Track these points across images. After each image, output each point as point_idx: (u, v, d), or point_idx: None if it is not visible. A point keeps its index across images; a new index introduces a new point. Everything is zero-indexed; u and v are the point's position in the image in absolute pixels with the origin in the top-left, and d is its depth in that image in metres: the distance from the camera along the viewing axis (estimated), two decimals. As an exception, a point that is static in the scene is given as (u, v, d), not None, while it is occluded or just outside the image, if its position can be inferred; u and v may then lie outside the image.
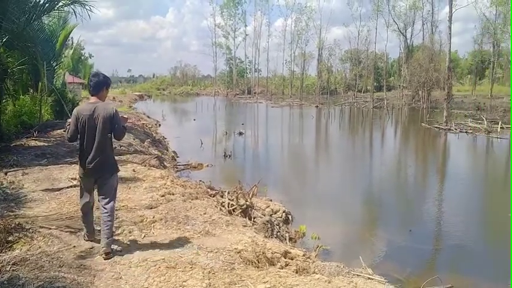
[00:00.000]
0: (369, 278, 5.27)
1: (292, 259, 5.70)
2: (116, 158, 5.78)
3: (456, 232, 10.23)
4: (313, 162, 20.49)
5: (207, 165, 16.67)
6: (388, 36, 65.65)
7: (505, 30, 55.03)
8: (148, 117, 33.48)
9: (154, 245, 5.69)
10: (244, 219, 8.34)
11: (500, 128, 28.09)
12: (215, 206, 8.35)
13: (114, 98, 49.27)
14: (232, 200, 9.12)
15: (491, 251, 9.22)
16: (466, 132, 27.56)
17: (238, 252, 5.53)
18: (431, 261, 8.74)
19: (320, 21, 73.35)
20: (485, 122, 28.80)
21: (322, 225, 10.04)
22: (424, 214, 11.89)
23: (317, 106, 55.30)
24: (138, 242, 5.81)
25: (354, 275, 5.33)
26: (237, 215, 8.47)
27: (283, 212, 10.31)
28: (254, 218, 8.80)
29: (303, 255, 5.91)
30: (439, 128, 29.54)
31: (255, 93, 77.68)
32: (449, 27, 33.33)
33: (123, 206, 7.40)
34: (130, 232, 6.18)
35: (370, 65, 66.73)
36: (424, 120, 33.32)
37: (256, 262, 5.30)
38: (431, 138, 27.42)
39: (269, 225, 8.55)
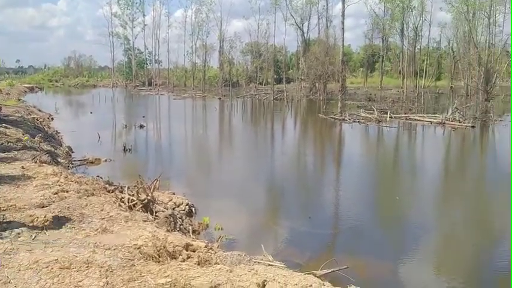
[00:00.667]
0: (269, 265, 5.39)
1: (194, 251, 5.65)
2: (2, 155, 5.29)
3: (352, 216, 10.85)
4: (217, 154, 20.54)
5: (106, 160, 15.97)
6: (286, 30, 67.33)
7: (392, 26, 59.19)
8: (39, 110, 31.25)
9: (46, 246, 5.32)
10: (145, 214, 8.12)
11: (389, 117, 30.30)
12: (114, 202, 8.02)
13: (0, 90, 45.24)
14: (133, 195, 8.81)
15: (382, 232, 9.92)
16: (358, 122, 29.30)
17: (137, 248, 5.35)
18: (329, 245, 9.16)
19: (220, 13, 73.26)
20: (376, 112, 30.83)
21: (225, 215, 10.10)
22: (323, 200, 12.47)
23: (220, 98, 55.44)
24: (29, 244, 5.39)
25: (255, 262, 5.42)
26: (137, 210, 8.21)
27: (187, 204, 10.21)
28: (156, 213, 8.59)
29: (205, 247, 5.88)
30: (334, 118, 31.06)
31: (156, 84, 75.85)
32: (342, 22, 35.19)
33: (11, 206, 6.83)
34: (19, 234, 5.72)
35: (270, 58, 68.23)
36: (321, 111, 34.83)
37: (157, 257, 5.17)
38: (328, 128, 28.77)
39: (172, 219, 8.40)
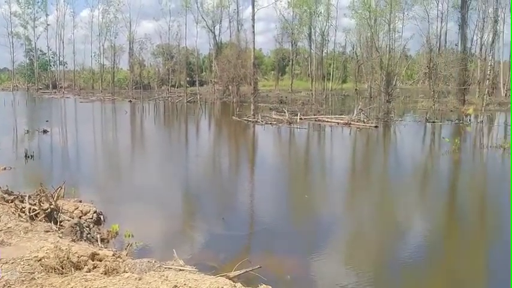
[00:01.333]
0: (180, 270, 5.29)
1: (100, 261, 5.38)
2: None
3: (265, 215, 11.03)
4: (128, 159, 19.87)
5: (5, 168, 14.85)
6: (198, 32, 67.24)
7: (301, 31, 61.27)
8: None
9: None
10: (48, 224, 7.64)
11: (299, 119, 31.28)
12: (13, 213, 7.45)
13: None
14: (35, 204, 8.25)
15: (294, 230, 10.17)
16: (271, 123, 29.92)
17: (38, 260, 5.00)
18: (244, 246, 9.22)
19: (129, 13, 71.09)
20: (287, 114, 31.66)
21: (136, 222, 9.78)
22: (237, 201, 12.56)
23: (130, 101, 53.89)
24: None
25: (165, 268, 5.29)
26: (40, 221, 7.70)
27: (94, 212, 9.76)
28: (61, 222, 8.12)
29: (113, 255, 5.64)
30: (247, 120, 31.44)
31: (61, 87, 71.90)
32: (253, 26, 35.72)
33: None
34: None
35: (182, 60, 67.52)
36: (234, 114, 35.08)
37: (60, 268, 4.86)
38: (242, 130, 29.04)
39: (78, 228, 7.96)
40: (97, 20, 72.85)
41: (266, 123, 30.15)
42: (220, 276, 5.51)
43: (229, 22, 64.72)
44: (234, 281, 5.11)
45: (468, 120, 31.94)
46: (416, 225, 10.70)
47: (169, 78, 69.03)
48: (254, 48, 37.61)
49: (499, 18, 44.11)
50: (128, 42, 71.06)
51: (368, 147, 23.84)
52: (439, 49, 48.55)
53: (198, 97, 53.15)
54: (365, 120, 29.37)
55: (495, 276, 7.75)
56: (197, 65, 69.73)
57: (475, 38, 47.81)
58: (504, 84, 52.07)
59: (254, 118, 31.54)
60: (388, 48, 46.06)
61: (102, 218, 9.79)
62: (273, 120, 31.02)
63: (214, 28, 64.03)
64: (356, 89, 59.34)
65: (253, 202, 12.48)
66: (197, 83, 63.11)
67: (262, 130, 28.36)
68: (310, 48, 62.34)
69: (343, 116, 31.19)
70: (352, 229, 10.38)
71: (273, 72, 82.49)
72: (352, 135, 26.60)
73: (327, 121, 30.75)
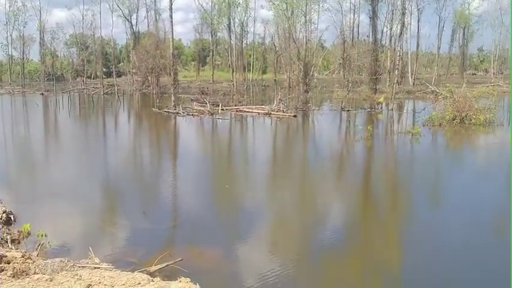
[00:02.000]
0: (95, 268, 5.15)
1: (9, 263, 5.10)
2: None
3: (187, 207, 11.01)
4: (41, 154, 18.80)
5: None
6: (114, 21, 64.76)
7: (220, 21, 61.12)
8: None
9: None
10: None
11: (221, 110, 31.32)
12: None
13: None
14: None
15: (217, 220, 10.21)
16: (192, 115, 29.70)
17: None
18: (165, 239, 9.10)
19: (39, 1, 66.97)
20: (208, 105, 31.57)
21: (51, 220, 9.36)
22: (159, 194, 12.38)
23: (42, 93, 50.96)
24: None
25: (79, 267, 5.12)
26: None
27: (4, 212, 9.17)
28: (-36, 225, 7.55)
29: (22, 257, 5.36)
30: (168, 112, 30.96)
31: (-38, 80, 66.42)
32: (171, 16, 35.07)
33: None
34: None
35: (97, 51, 64.85)
36: (154, 105, 34.38)
37: (-38, 275, 4.54)
38: (162, 122, 28.55)
39: (-16, 230, 7.46)
40: (3, 8, 67.67)
41: (187, 114, 29.89)
42: (140, 271, 5.44)
43: (147, 11, 63.17)
44: (153, 276, 5.06)
45: (380, 108, 33.79)
46: (335, 209, 11.21)
47: (84, 69, 66.06)
48: (173, 38, 36.99)
49: (406, 11, 46.78)
50: (39, 31, 66.95)
51: (288, 136, 24.45)
52: (352, 40, 50.68)
53: (116, 88, 51.26)
54: (284, 110, 30.04)
55: (409, 252, 8.34)
56: (114, 55, 67.21)
57: (385, 29, 50.37)
58: (412, 73, 55.55)
59: (175, 109, 31.12)
60: (305, 40, 47.33)
61: (12, 218, 9.22)
62: (195, 111, 30.81)
63: (131, 17, 62.06)
64: (275, 80, 60.43)
65: (175, 195, 12.37)
66: (114, 73, 60.89)
67: (183, 121, 28.07)
68: (230, 39, 62.45)
69: (263, 106, 31.67)
70: (273, 217, 10.63)
71: (193, 62, 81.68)
72: (273, 125, 27.14)
73: (248, 111, 31.07)
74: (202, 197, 12.18)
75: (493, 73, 71.64)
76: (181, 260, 7.05)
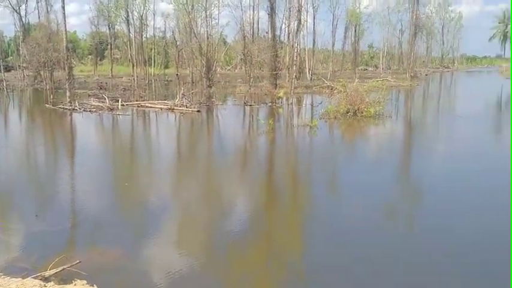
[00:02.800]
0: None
1: None
2: None
3: (86, 208, 10.53)
4: None
5: None
6: (0, 12, 59.63)
7: (117, 14, 58.86)
8: None
9: None
10: None
11: (121, 105, 30.29)
12: None
13: None
14: None
15: (119, 220, 9.94)
16: (90, 111, 28.36)
17: None
18: (62, 242, 8.67)
19: None
20: (107, 101, 30.35)
21: None
22: (54, 196, 11.73)
23: None
24: None
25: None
26: None
27: None
28: None
29: None
30: (63, 108, 29.26)
31: None
32: (63, 7, 33.18)
33: None
34: None
35: (-19, 43, 59.40)
36: (48, 101, 32.29)
37: None
38: (57, 119, 26.95)
39: None
40: None
41: (85, 110, 28.50)
42: (33, 277, 5.14)
43: (37, 2, 58.78)
44: (47, 281, 4.81)
45: (280, 103, 34.84)
46: (240, 201, 11.43)
47: (-35, 64, 60.07)
48: (66, 30, 35.01)
49: (302, 8, 48.49)
50: None
51: (192, 131, 24.34)
52: (252, 36, 51.44)
53: (5, 84, 47.26)
54: (188, 105, 29.80)
55: (310, 238, 8.78)
56: (1, 49, 61.88)
57: (283, 26, 51.80)
58: (309, 69, 57.89)
59: (71, 105, 29.46)
60: (206, 35, 47.24)
61: None
62: (93, 107, 29.42)
63: (19, 8, 57.48)
64: (177, 74, 59.55)
65: (72, 194, 11.84)
66: (2, 68, 56.05)
67: (80, 118, 26.76)
68: (129, 32, 60.42)
69: (166, 102, 31.13)
70: (177, 212, 10.58)
71: (90, 56, 77.80)
72: (177, 120, 26.84)
73: (151, 107, 30.39)
74: (101, 196, 11.75)
75: (382, 68, 76.95)
76: (79, 262, 6.76)
